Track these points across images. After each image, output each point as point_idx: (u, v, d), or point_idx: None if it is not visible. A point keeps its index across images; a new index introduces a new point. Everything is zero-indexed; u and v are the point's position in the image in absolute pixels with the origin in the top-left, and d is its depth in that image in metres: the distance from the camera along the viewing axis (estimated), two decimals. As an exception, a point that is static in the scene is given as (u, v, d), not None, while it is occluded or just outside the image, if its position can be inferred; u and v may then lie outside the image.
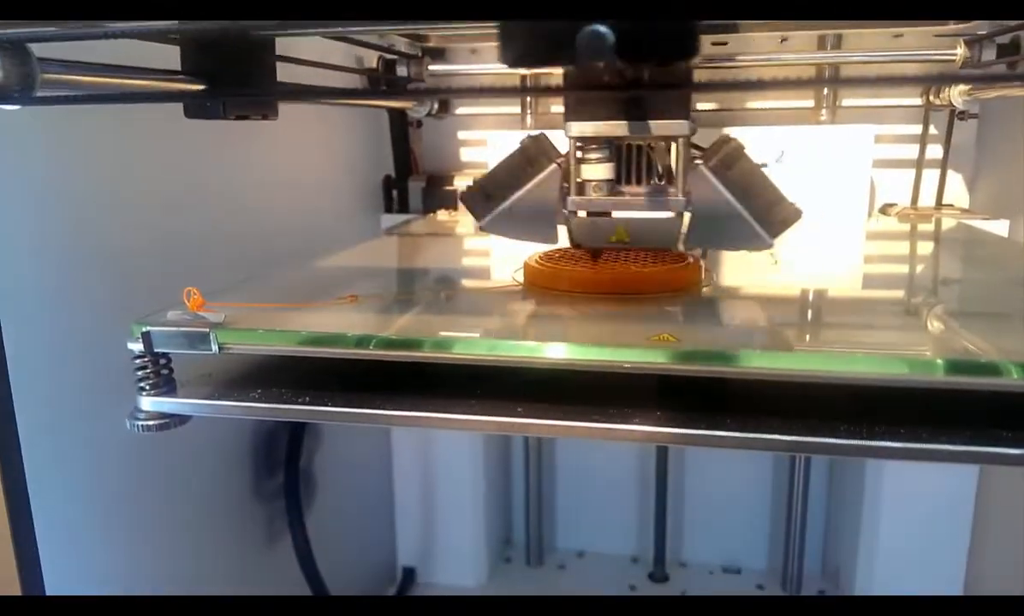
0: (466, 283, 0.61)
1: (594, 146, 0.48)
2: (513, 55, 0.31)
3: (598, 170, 0.49)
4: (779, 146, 0.93)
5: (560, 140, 0.50)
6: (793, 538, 1.14)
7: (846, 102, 0.98)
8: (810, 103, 0.98)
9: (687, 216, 0.49)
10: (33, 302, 0.54)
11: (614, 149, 0.49)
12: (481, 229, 0.53)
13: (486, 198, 0.52)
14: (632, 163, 0.50)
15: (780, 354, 0.39)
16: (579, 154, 0.49)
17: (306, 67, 0.66)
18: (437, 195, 1.04)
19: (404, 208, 1.07)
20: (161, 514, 0.67)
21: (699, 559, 1.23)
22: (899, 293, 0.60)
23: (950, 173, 0.99)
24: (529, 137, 0.53)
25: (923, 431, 0.38)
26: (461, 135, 1.11)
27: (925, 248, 0.82)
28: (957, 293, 0.59)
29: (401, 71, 0.96)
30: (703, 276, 0.55)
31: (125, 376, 0.45)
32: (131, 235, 0.62)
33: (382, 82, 0.95)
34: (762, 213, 0.49)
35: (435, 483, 1.16)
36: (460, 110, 1.09)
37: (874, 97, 0.97)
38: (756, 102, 1.00)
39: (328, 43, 0.80)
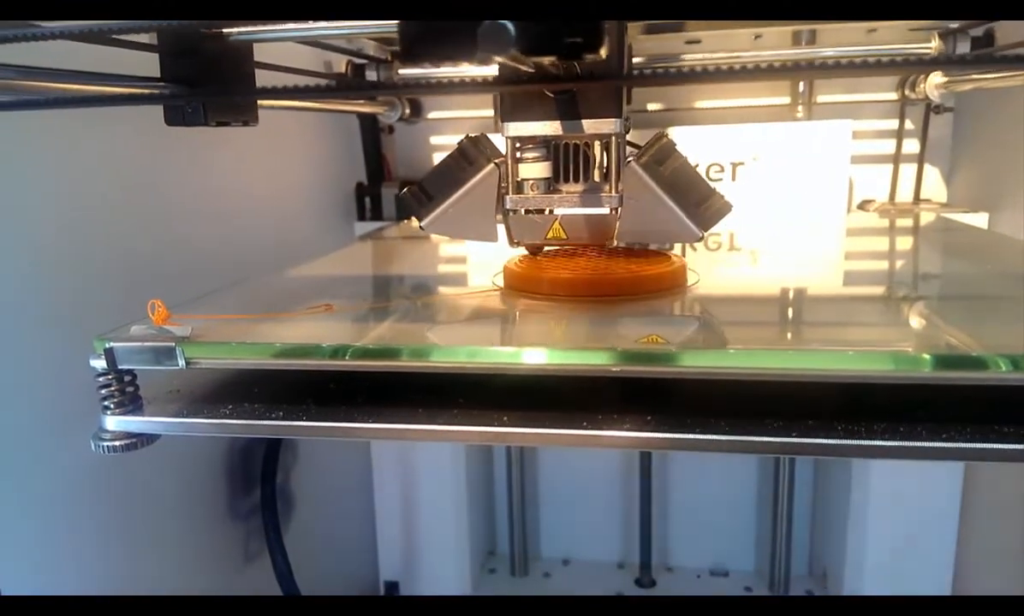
0: (445, 288, 0.59)
1: (531, 146, 0.50)
2: (415, 49, 0.30)
3: (535, 169, 0.50)
4: (755, 146, 0.92)
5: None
6: (780, 540, 1.14)
7: (822, 98, 0.97)
8: (786, 100, 0.98)
9: (620, 210, 0.51)
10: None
11: (551, 148, 0.50)
12: (422, 229, 0.53)
13: (426, 199, 0.53)
14: (569, 161, 0.51)
15: (769, 353, 0.38)
16: (517, 154, 0.50)
17: (271, 72, 0.64)
18: (412, 201, 1.03)
19: (377, 215, 1.05)
20: (132, 535, 0.64)
21: (686, 563, 1.22)
22: (884, 288, 0.59)
23: (927, 167, 0.99)
24: (468, 137, 0.54)
25: (922, 428, 0.37)
26: (433, 140, 1.10)
27: (907, 242, 0.81)
28: (942, 287, 0.58)
29: (370, 75, 0.95)
30: (686, 276, 0.54)
31: (91, 392, 0.43)
32: (95, 246, 0.60)
33: (353, 86, 0.94)
34: (692, 207, 0.50)
35: (416, 495, 1.14)
36: (432, 114, 1.07)
37: (850, 93, 0.97)
38: (733, 100, 0.99)
39: (294, 48, 0.78)
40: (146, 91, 0.49)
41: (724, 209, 0.50)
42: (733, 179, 0.93)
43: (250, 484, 0.80)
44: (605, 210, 0.51)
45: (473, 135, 0.53)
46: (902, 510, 0.99)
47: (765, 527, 1.16)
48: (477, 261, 0.67)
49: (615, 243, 0.53)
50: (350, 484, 1.11)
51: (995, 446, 0.35)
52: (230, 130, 0.57)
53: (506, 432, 0.39)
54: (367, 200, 1.05)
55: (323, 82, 0.86)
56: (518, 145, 0.50)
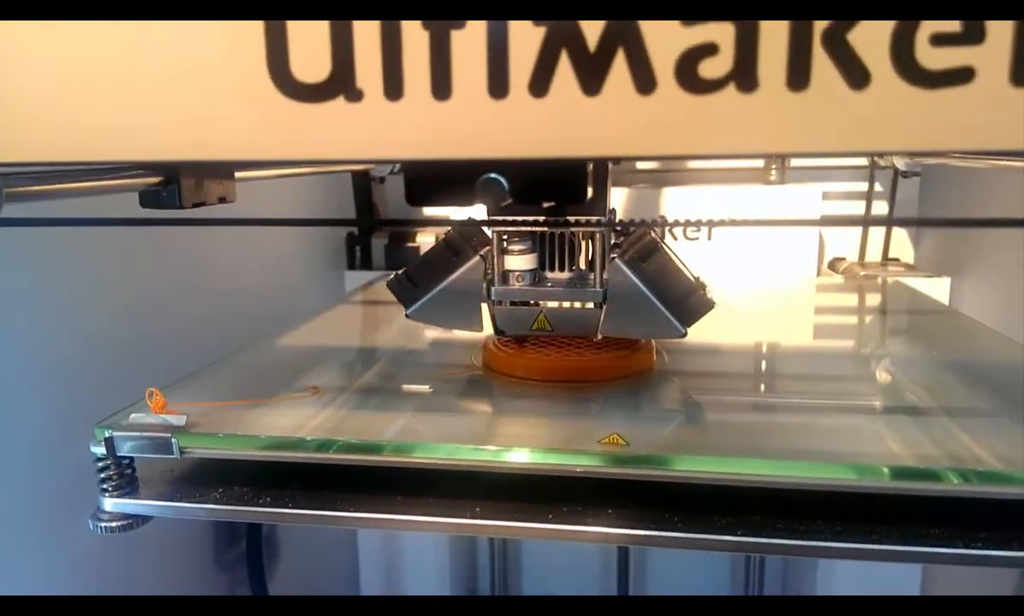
0: (425, 369, 0.62)
1: (516, 239, 0.51)
2: (420, 195, 0.34)
3: (520, 261, 0.52)
4: (730, 207, 0.96)
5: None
6: (753, 567, 1.17)
7: (795, 162, 1.01)
8: (760, 163, 1.01)
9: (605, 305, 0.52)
10: None
11: (536, 239, 0.51)
12: (408, 317, 0.54)
13: (413, 287, 0.54)
14: (555, 250, 0.52)
15: (728, 460, 0.41)
16: (503, 245, 0.51)
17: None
18: (400, 251, 1.06)
19: (367, 264, 1.08)
20: (116, 586, 0.66)
21: (663, 594, 1.25)
22: (843, 382, 0.59)
23: (895, 229, 1.03)
24: (454, 228, 0.55)
25: (873, 532, 0.39)
26: (423, 190, 1.13)
27: (866, 327, 0.84)
28: (896, 382, 0.59)
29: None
30: (653, 359, 0.57)
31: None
32: (93, 298, 0.63)
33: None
34: (675, 304, 0.51)
35: (399, 535, 1.16)
36: (422, 166, 1.10)
37: (821, 157, 1.01)
38: (707, 162, 1.03)
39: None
40: (132, 184, 0.51)
41: (706, 306, 0.52)
42: (709, 238, 0.97)
43: (236, 535, 0.82)
44: (589, 304, 0.52)
45: (460, 226, 0.55)
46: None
47: (739, 555, 1.20)
48: (457, 333, 0.70)
49: (598, 336, 0.53)
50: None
51: (937, 550, 0.39)
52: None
53: (479, 525, 0.42)
54: (357, 249, 1.08)
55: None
56: (504, 236, 0.51)
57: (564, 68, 0.27)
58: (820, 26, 0.26)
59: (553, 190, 0.35)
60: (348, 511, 0.43)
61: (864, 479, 0.39)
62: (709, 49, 0.26)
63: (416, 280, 0.54)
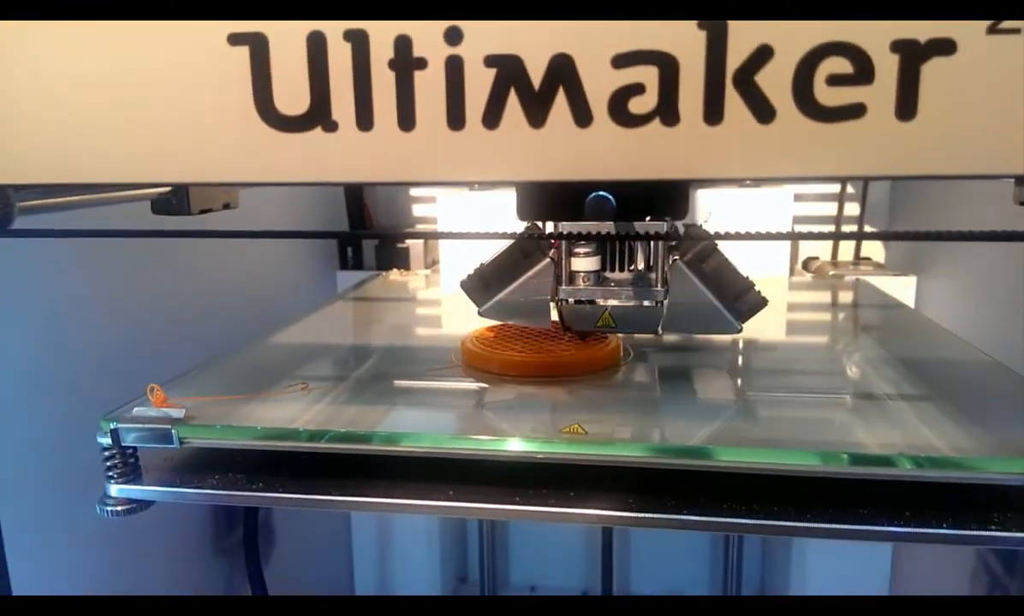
0: (409, 365, 0.66)
1: (583, 242, 0.55)
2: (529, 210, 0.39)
3: (586, 263, 0.56)
4: (707, 207, 1.00)
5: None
6: (731, 564, 1.21)
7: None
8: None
9: (666, 303, 0.56)
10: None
11: (601, 242, 0.55)
12: (480, 315, 0.58)
13: (485, 287, 0.58)
14: (617, 252, 0.57)
15: (686, 446, 0.45)
16: (570, 248, 0.55)
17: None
18: (390, 251, 1.09)
19: (359, 264, 1.12)
20: (116, 571, 0.70)
21: (645, 589, 1.29)
22: (802, 374, 0.64)
23: (867, 228, 1.07)
24: (526, 230, 0.59)
25: (833, 511, 0.43)
26: (413, 191, 1.17)
27: (821, 324, 0.88)
28: (855, 375, 0.63)
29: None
30: (621, 355, 0.61)
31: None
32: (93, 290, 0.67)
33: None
34: (731, 302, 0.56)
35: (391, 524, 1.21)
36: (412, 168, 1.14)
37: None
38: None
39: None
40: (141, 194, 0.55)
41: (760, 303, 0.56)
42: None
43: (233, 522, 0.86)
44: (651, 303, 0.56)
45: (529, 229, 0.58)
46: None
47: (719, 553, 1.24)
48: (439, 330, 0.74)
49: (660, 333, 0.58)
50: (327, 515, 1.17)
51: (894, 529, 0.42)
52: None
53: (451, 506, 0.46)
54: (349, 250, 1.12)
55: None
56: (571, 240, 0.55)
57: (513, 104, 0.31)
58: (731, 69, 0.30)
59: (658, 206, 0.39)
60: (335, 495, 0.47)
61: (828, 464, 0.43)
62: (637, 88, 0.31)
63: (488, 281, 0.58)
